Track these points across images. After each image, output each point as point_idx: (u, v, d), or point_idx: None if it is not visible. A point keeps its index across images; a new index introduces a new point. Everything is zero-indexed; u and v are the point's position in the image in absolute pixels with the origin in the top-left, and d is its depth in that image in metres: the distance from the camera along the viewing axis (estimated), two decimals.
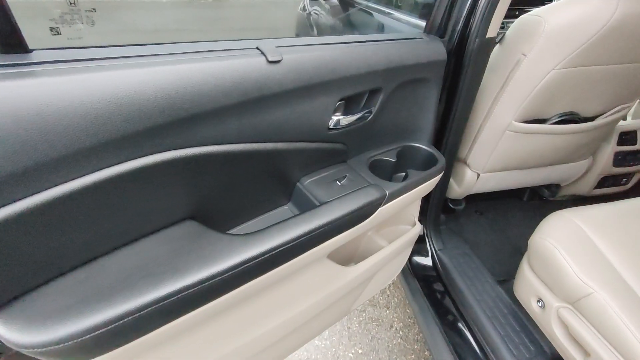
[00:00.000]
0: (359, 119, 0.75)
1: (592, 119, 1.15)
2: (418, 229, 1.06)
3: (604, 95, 1.09)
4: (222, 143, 0.56)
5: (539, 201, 1.61)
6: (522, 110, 1.07)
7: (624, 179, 1.48)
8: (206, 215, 0.61)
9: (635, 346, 0.75)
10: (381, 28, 1.31)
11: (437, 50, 0.82)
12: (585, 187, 1.47)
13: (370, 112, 0.76)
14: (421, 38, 0.82)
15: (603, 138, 1.31)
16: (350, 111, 0.74)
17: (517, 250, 1.40)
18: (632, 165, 1.41)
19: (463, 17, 0.86)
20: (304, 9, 2.19)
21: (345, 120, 0.73)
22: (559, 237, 0.93)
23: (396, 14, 1.25)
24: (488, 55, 0.95)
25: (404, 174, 0.89)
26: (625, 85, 1.07)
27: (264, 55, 0.55)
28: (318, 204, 0.71)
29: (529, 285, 1.02)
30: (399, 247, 1.00)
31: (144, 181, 0.49)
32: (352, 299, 1.02)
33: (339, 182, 0.76)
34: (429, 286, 1.28)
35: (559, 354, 0.94)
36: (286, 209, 0.76)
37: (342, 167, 0.80)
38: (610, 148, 1.36)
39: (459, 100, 0.99)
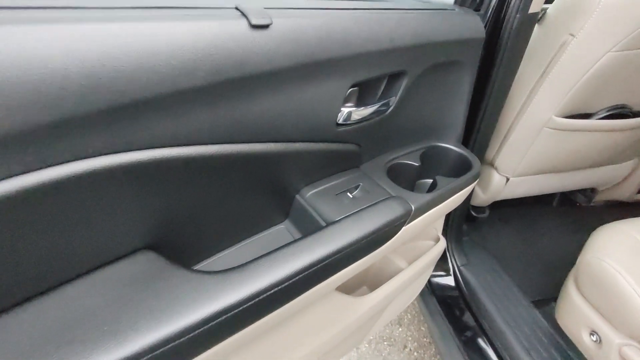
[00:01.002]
0: (375, 111, 0.58)
1: None
2: (442, 245, 0.88)
3: None
4: (186, 144, 0.39)
5: (571, 207, 1.43)
6: (565, 103, 0.90)
7: None
8: (169, 244, 0.45)
9: None
10: None
11: (473, 25, 0.65)
12: (627, 191, 1.29)
13: (387, 104, 0.59)
14: (453, 10, 0.64)
15: None
16: (365, 102, 0.57)
17: (550, 265, 1.22)
18: None
19: None
20: None
21: (359, 113, 0.56)
22: (619, 258, 0.75)
23: None
24: (529, 35, 0.79)
25: (430, 180, 0.72)
26: None
27: (246, 17, 0.38)
28: (324, 223, 0.54)
29: (578, 313, 0.85)
30: (422, 268, 0.83)
31: (64, 201, 0.33)
32: (367, 329, 0.85)
33: (351, 193, 0.59)
34: (450, 307, 1.11)
35: None
36: (282, 229, 0.59)
37: (354, 174, 0.63)
38: None
39: (491, 89, 0.82)
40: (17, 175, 0.30)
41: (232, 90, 0.39)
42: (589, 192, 1.34)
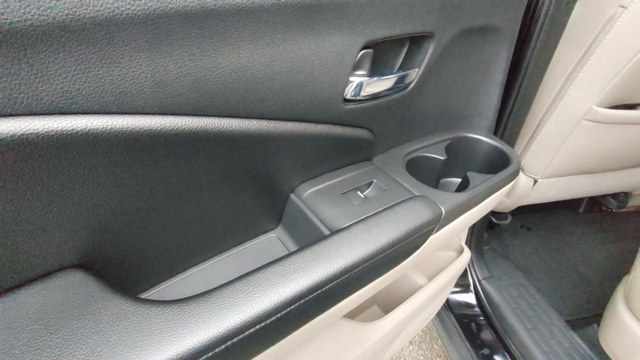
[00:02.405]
0: (393, 86, 0.45)
1: None
2: (467, 256, 0.75)
3: None
4: (127, 111, 0.26)
5: (599, 213, 1.29)
6: (609, 91, 0.77)
7: None
8: (111, 259, 0.31)
9: None
10: None
11: None
12: None
13: (411, 75, 0.46)
14: None
15: None
16: (381, 70, 0.44)
17: (583, 278, 1.08)
18: None
19: None
20: None
21: (373, 86, 0.42)
22: None
23: None
24: (571, 7, 0.66)
25: (458, 180, 0.58)
26: None
27: None
28: (327, 232, 0.40)
29: (629, 336, 0.71)
30: (444, 284, 0.70)
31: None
32: (380, 356, 0.71)
33: (362, 192, 0.46)
34: (470, 326, 0.98)
35: None
36: (273, 238, 0.46)
37: (365, 169, 0.50)
38: None
39: (525, 72, 0.69)
40: None
41: (190, 30, 0.26)
42: (622, 196, 1.21)
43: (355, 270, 0.36)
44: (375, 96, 0.44)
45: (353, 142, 0.47)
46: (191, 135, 0.30)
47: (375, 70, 0.44)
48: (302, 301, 0.32)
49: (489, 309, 0.97)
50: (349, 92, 0.41)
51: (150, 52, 0.25)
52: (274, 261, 0.34)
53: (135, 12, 0.23)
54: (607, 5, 0.70)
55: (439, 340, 1.29)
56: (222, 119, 0.31)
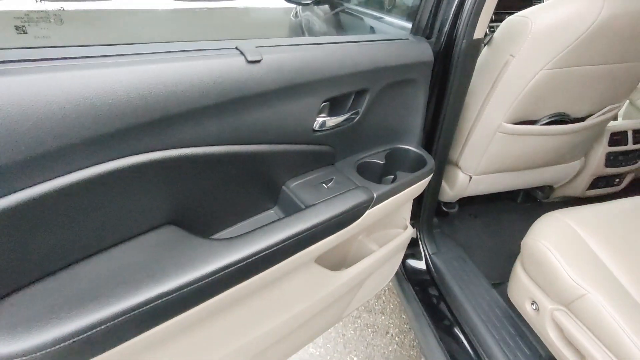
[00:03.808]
0: (345, 120, 0.74)
1: (582, 119, 1.15)
2: (409, 232, 1.04)
3: (594, 96, 1.08)
4: (201, 145, 0.54)
5: (533, 203, 1.60)
6: (512, 111, 1.06)
7: (617, 180, 1.48)
8: (187, 220, 0.60)
9: (630, 348, 0.74)
10: (371, 31, 1.31)
11: (423, 51, 0.81)
12: (578, 188, 1.46)
13: (357, 113, 0.75)
14: (407, 39, 0.81)
15: (594, 139, 1.31)
16: (337, 112, 0.73)
17: (512, 253, 1.38)
18: (624, 165, 1.41)
19: (449, 18, 0.86)
20: (295, 15, 2.20)
21: (331, 121, 0.72)
22: (551, 239, 0.91)
23: (387, 18, 1.25)
24: (476, 57, 0.95)
25: (393, 176, 0.87)
26: (614, 85, 1.07)
27: (243, 55, 0.54)
28: (304, 207, 0.69)
29: (522, 288, 1.00)
30: (390, 251, 0.99)
31: (118, 185, 0.48)
32: (344, 304, 1.00)
33: (326, 185, 0.75)
34: (423, 291, 1.26)
35: (554, 357, 0.92)
36: (272, 213, 0.75)
37: (329, 170, 0.79)
38: (602, 149, 1.36)
39: (448, 101, 0.98)
40: (90, 166, 0.45)
41: (233, 106, 0.55)
42: (547, 189, 1.51)
43: (319, 227, 0.65)
44: (333, 127, 0.73)
45: (321, 155, 0.76)
46: (230, 154, 0.59)
47: (333, 112, 0.73)
48: (290, 241, 0.60)
49: (436, 276, 1.25)
50: (316, 126, 0.70)
51: (217, 119, 0.54)
52: (272, 222, 0.63)
53: (210, 104, 0.52)
54: (502, 54, 1.00)
55: (405, 311, 1.58)
56: (245, 145, 0.60)
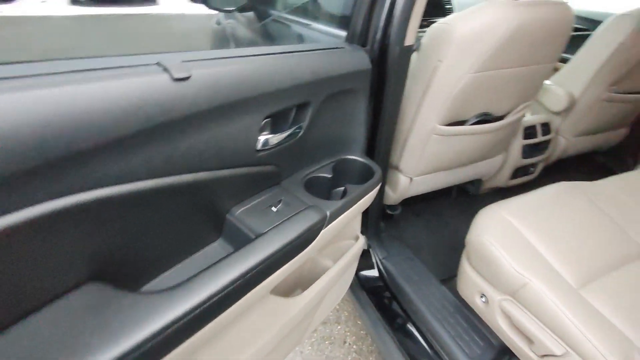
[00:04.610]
0: (289, 136, 0.69)
1: (502, 117, 1.24)
2: (362, 242, 1.02)
3: (511, 96, 1.18)
4: (125, 182, 0.45)
5: (466, 197, 1.71)
6: (444, 114, 1.11)
7: (532, 169, 1.64)
8: (115, 273, 0.49)
9: (571, 329, 0.79)
10: (301, 39, 1.28)
11: (361, 59, 0.80)
12: (503, 179, 1.59)
13: (300, 127, 0.71)
14: (344, 48, 0.79)
15: (512, 134, 1.43)
16: (279, 129, 0.67)
17: (453, 247, 1.45)
18: (537, 155, 1.57)
19: (381, 26, 0.86)
20: (218, 22, 2.09)
21: (275, 139, 0.66)
22: (492, 233, 0.96)
23: (315, 24, 1.22)
24: (408, 63, 0.97)
25: (343, 188, 0.84)
26: (527, 85, 1.17)
27: (168, 71, 0.46)
28: (253, 236, 0.62)
29: (471, 283, 1.04)
30: (346, 265, 0.96)
31: (18, 243, 0.37)
32: (304, 327, 0.94)
33: (274, 207, 0.69)
34: (377, 296, 1.26)
35: (506, 345, 0.97)
36: (216, 246, 0.66)
37: (276, 191, 0.73)
38: (518, 142, 1.50)
39: (385, 108, 0.99)
40: None
41: (162, 133, 0.46)
42: (477, 182, 1.62)
43: (273, 257, 0.58)
44: (277, 145, 0.67)
45: (265, 175, 0.70)
46: (163, 188, 0.50)
47: (276, 129, 0.67)
48: (242, 279, 0.53)
49: (388, 280, 1.26)
50: (259, 146, 0.63)
51: (143, 149, 0.45)
52: (221, 258, 0.55)
53: (132, 133, 0.43)
54: (431, 60, 1.03)
55: (360, 317, 1.57)
56: (181, 175, 0.51)
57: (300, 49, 0.67)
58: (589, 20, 1.83)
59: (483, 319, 1.03)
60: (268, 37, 1.43)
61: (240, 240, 0.64)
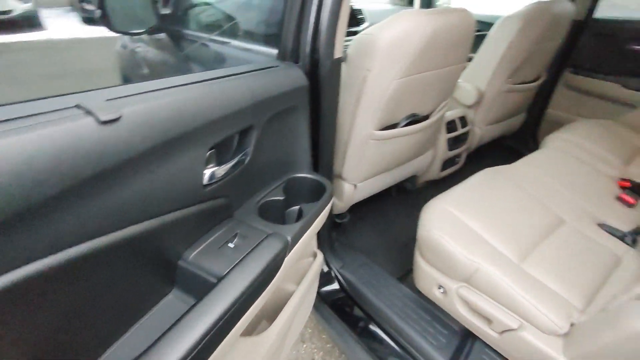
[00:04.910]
0: (235, 164, 0.64)
1: (428, 116, 1.33)
2: (320, 258, 1.00)
3: (433, 96, 1.27)
4: (54, 251, 0.37)
5: (405, 193, 1.80)
6: (378, 119, 1.15)
7: (457, 159, 1.79)
8: (56, 354, 0.40)
9: (522, 303, 0.87)
10: (222, 59, 1.23)
11: (297, 76, 0.78)
12: (435, 172, 1.71)
13: (246, 154, 0.66)
14: (278, 66, 0.77)
15: (438, 130, 1.54)
16: (225, 159, 0.62)
17: (404, 243, 1.51)
18: (460, 147, 1.72)
19: (310, 41, 0.86)
20: (124, 46, 1.92)
21: (221, 170, 0.61)
22: (439, 226, 1.01)
23: (236, 42, 1.18)
24: (339, 74, 0.98)
25: (297, 208, 0.82)
26: (446, 85, 1.27)
27: (92, 114, 0.39)
28: (215, 280, 0.56)
29: (427, 276, 1.09)
30: (308, 284, 0.93)
31: None
32: (277, 356, 0.89)
33: (231, 243, 0.63)
34: (340, 307, 1.25)
35: (468, 329, 1.03)
36: (172, 299, 0.59)
37: (229, 225, 0.67)
38: (443, 137, 1.62)
39: (323, 120, 0.99)
40: None
41: (93, 186, 0.39)
42: (413, 178, 1.72)
43: (242, 298, 0.53)
44: (225, 175, 0.62)
45: (216, 209, 0.64)
46: (101, 249, 0.42)
47: (222, 159, 0.62)
48: (210, 334, 0.47)
49: (348, 289, 1.26)
50: (206, 180, 0.58)
51: (71, 208, 0.37)
52: (180, 319, 0.48)
53: (54, 193, 0.35)
54: (360, 69, 1.06)
55: (325, 331, 1.55)
56: (121, 230, 0.44)
57: (236, 72, 0.63)
58: (483, 23, 2.07)
59: (443, 308, 1.08)
60: (190, 60, 1.35)
61: (199, 288, 0.57)
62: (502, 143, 2.17)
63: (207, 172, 0.58)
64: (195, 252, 0.60)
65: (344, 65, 1.11)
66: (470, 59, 1.72)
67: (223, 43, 1.16)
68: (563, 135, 1.62)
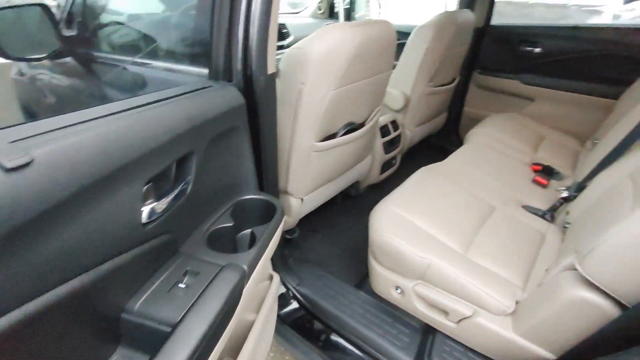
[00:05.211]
0: (177, 195, 0.59)
1: (363, 124, 1.38)
2: (277, 279, 0.97)
3: (366, 104, 1.32)
4: None
5: (350, 200, 1.83)
6: (317, 131, 1.16)
7: (394, 161, 1.88)
8: None
9: (473, 290, 0.92)
10: (147, 83, 1.14)
11: (233, 95, 0.75)
12: (375, 175, 1.77)
13: (187, 182, 0.61)
14: (211, 86, 0.72)
15: (374, 135, 1.60)
16: (165, 191, 0.57)
17: (355, 249, 1.53)
18: (394, 149, 1.81)
19: (241, 58, 0.83)
20: (21, 73, 1.69)
21: (162, 204, 0.55)
22: (389, 229, 1.04)
23: (160, 63, 1.11)
24: (275, 90, 0.97)
25: (249, 231, 0.77)
26: (377, 92, 1.33)
27: None
28: (169, 329, 0.50)
29: (383, 279, 1.11)
30: (268, 310, 0.89)
31: None
32: None
33: (182, 283, 0.57)
34: (302, 326, 1.22)
35: (428, 325, 1.06)
36: (118, 359, 0.51)
37: (177, 262, 0.61)
38: (379, 141, 1.69)
39: (263, 137, 0.96)
40: None
41: (4, 247, 0.32)
42: (356, 184, 1.76)
43: (202, 345, 0.48)
44: (166, 210, 0.56)
45: (161, 248, 0.57)
46: (25, 320, 0.34)
47: (161, 192, 0.56)
48: None
49: (308, 305, 1.23)
50: (145, 218, 0.52)
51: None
52: None
53: None
54: (294, 84, 1.06)
55: (287, 351, 1.49)
56: (51, 292, 0.37)
57: (168, 96, 0.58)
58: (401, 33, 2.21)
59: (402, 308, 1.11)
60: (109, 87, 1.23)
61: (151, 341, 0.50)
62: (430, 142, 2.33)
63: (146, 209, 0.52)
64: (141, 301, 0.53)
65: (278, 81, 1.10)
66: (394, 67, 1.82)
67: (145, 65, 1.07)
68: (480, 130, 1.79)
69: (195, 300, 0.53)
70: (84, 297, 0.43)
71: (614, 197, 0.92)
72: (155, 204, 0.53)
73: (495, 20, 2.10)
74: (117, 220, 0.46)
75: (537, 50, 2.01)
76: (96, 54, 1.29)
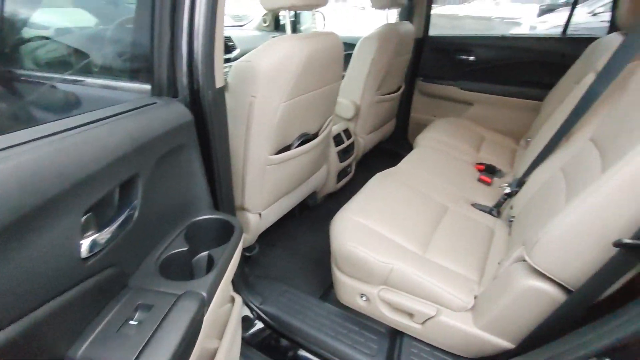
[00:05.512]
0: (122, 223, 0.53)
1: (317, 134, 1.38)
2: (239, 301, 0.92)
3: (318, 114, 1.32)
4: None
5: (308, 211, 1.82)
6: (271, 143, 1.14)
7: (349, 169, 1.90)
8: None
9: (434, 289, 0.95)
10: (81, 102, 1.05)
11: (180, 111, 0.71)
12: (332, 184, 1.78)
13: (134, 207, 0.56)
14: (155, 103, 0.68)
15: (328, 145, 1.61)
16: (108, 219, 0.51)
17: (317, 261, 1.51)
18: (348, 157, 1.84)
19: (186, 72, 0.80)
20: None
21: (104, 235, 0.49)
22: (350, 237, 1.05)
23: (95, 80, 1.02)
24: (224, 104, 0.94)
25: (205, 253, 0.73)
26: (327, 102, 1.34)
27: None
28: None
29: (348, 288, 1.11)
30: (232, 335, 0.84)
31: None
32: None
33: (133, 320, 0.52)
34: (270, 346, 1.18)
35: (395, 329, 1.07)
36: None
37: (126, 297, 0.55)
38: (333, 150, 1.70)
39: (215, 153, 0.93)
40: None
41: None
42: (313, 194, 1.75)
43: None
44: (110, 240, 0.51)
45: (105, 283, 0.52)
46: None
47: (103, 221, 0.51)
48: None
49: (273, 324, 1.19)
50: (85, 252, 0.46)
51: None
52: None
53: None
54: (245, 97, 1.03)
55: None
56: None
57: (107, 115, 0.53)
58: (347, 44, 2.28)
59: (369, 315, 1.11)
60: (35, 107, 1.11)
61: None
62: (382, 148, 2.41)
63: (86, 242, 0.46)
64: (85, 345, 0.47)
65: (227, 95, 1.07)
66: (343, 77, 1.86)
67: (78, 82, 0.98)
68: (427, 134, 1.88)
69: (150, 337, 0.48)
70: (15, 350, 0.37)
71: (550, 190, 1.00)
72: (96, 235, 0.48)
73: (432, 32, 2.24)
74: (51, 258, 0.40)
75: (471, 58, 2.17)
76: (18, 71, 1.17)
